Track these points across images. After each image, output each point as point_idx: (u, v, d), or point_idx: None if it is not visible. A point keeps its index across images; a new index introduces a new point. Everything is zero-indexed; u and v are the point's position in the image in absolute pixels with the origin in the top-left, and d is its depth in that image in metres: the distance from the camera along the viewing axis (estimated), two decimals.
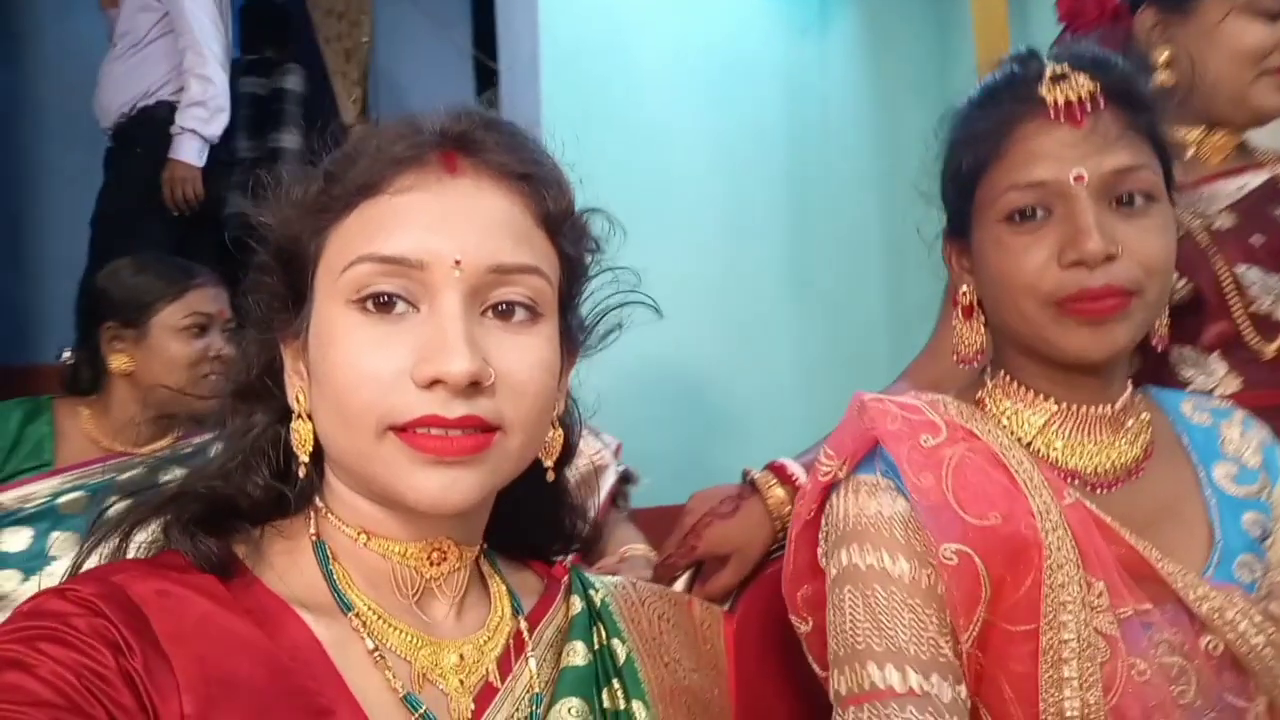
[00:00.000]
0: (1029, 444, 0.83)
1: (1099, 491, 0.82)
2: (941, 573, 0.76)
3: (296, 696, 0.57)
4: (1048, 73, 0.79)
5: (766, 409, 2.30)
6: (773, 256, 2.37)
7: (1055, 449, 0.83)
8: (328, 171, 0.64)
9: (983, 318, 0.86)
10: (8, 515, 1.32)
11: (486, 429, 0.59)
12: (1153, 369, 1.10)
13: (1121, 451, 0.83)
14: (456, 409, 0.57)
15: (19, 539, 1.32)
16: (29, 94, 3.48)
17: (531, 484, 0.67)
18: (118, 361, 1.54)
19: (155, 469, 0.68)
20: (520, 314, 0.62)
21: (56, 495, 1.35)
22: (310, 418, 0.63)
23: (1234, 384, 1.12)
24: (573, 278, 0.68)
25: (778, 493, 1.05)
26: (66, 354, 1.61)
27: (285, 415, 0.66)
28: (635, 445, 1.70)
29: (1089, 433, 0.83)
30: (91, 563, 0.64)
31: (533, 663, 0.66)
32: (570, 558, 0.79)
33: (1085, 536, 0.77)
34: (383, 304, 0.59)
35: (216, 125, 2.59)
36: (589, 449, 1.48)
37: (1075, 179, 0.76)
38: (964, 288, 0.86)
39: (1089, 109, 0.77)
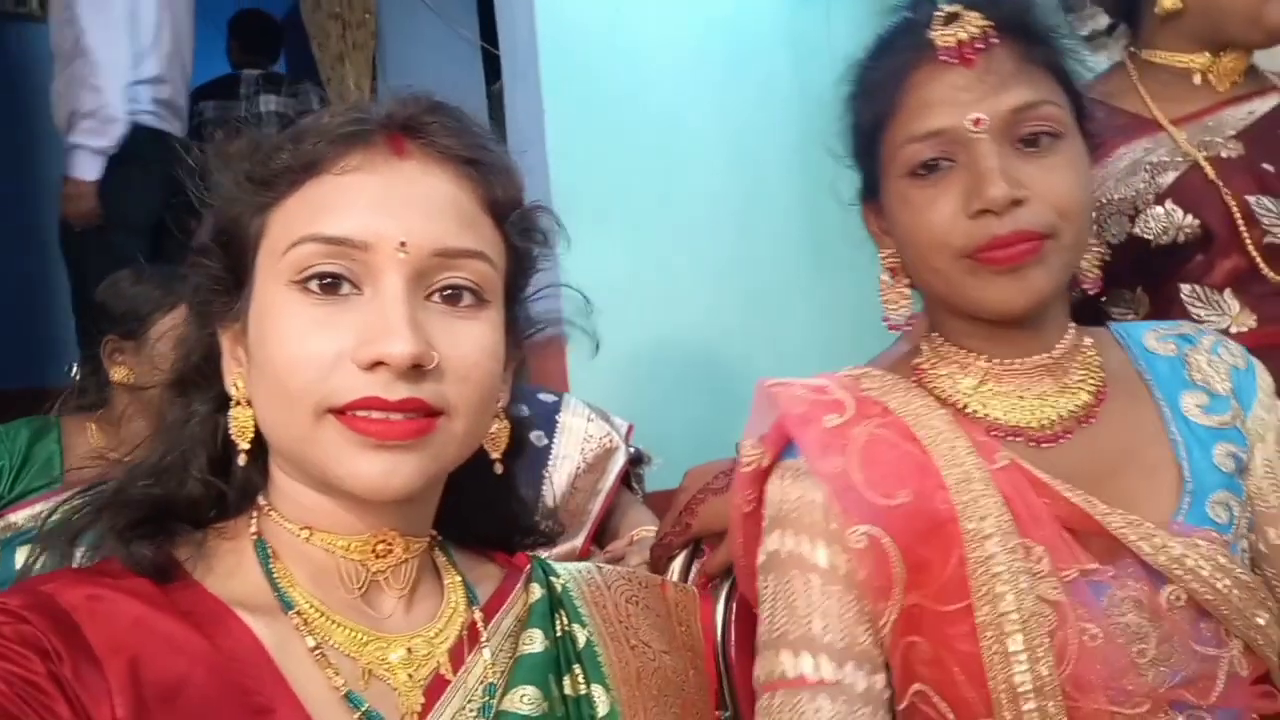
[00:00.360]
0: (965, 406, 0.80)
1: (1045, 446, 0.78)
2: (852, 556, 0.74)
3: (236, 697, 0.57)
4: (937, 14, 0.76)
5: None
6: (788, 228, 2.32)
7: (993, 408, 0.79)
8: (271, 148, 0.63)
9: (908, 279, 0.83)
10: (21, 534, 1.31)
11: (429, 413, 0.58)
12: (1159, 313, 1.09)
13: (1066, 401, 0.79)
14: (398, 391, 0.57)
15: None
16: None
17: (478, 475, 0.67)
18: (119, 373, 1.54)
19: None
20: (466, 298, 0.61)
21: None
22: (249, 404, 0.62)
23: (1249, 320, 1.08)
24: (519, 268, 0.68)
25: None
26: (74, 370, 1.63)
27: (224, 404, 0.65)
28: (650, 427, 1.68)
29: (1028, 386, 0.80)
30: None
31: (487, 653, 0.66)
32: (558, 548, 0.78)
33: (1019, 499, 0.74)
34: (326, 285, 0.59)
35: (109, 137, 2.47)
36: (598, 432, 1.49)
37: (973, 123, 0.73)
38: (886, 252, 0.83)
39: (981, 47, 0.74)
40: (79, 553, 0.64)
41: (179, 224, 0.70)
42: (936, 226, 0.75)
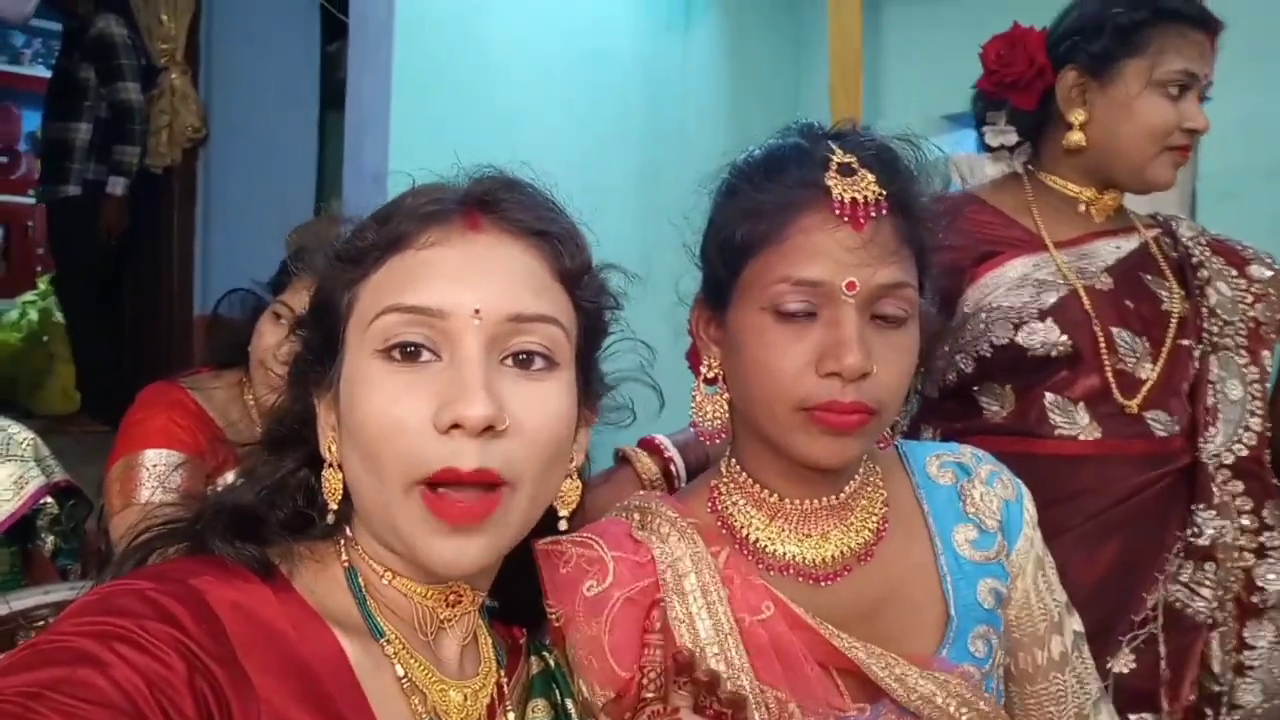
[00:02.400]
0: (755, 540, 0.82)
1: (824, 585, 0.81)
2: None
3: (323, 704, 0.59)
4: (835, 160, 0.76)
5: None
6: (621, 247, 2.27)
7: (778, 544, 0.81)
8: (360, 229, 0.67)
9: (726, 392, 0.83)
10: None
11: (496, 483, 0.61)
12: (1022, 413, 1.21)
13: (849, 540, 0.82)
14: (469, 458, 0.59)
15: None
16: None
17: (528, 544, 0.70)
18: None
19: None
20: (538, 363, 0.64)
21: None
22: (340, 468, 0.65)
23: (1095, 433, 1.19)
24: (591, 332, 0.71)
25: (647, 461, 1.08)
26: None
27: (312, 461, 0.68)
28: None
29: (813, 525, 0.82)
30: None
31: (511, 716, 0.70)
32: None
33: (772, 651, 0.77)
34: (408, 353, 0.62)
35: None
36: None
37: (847, 287, 0.74)
38: (708, 359, 0.84)
39: (872, 214, 0.75)
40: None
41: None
42: (785, 373, 0.75)
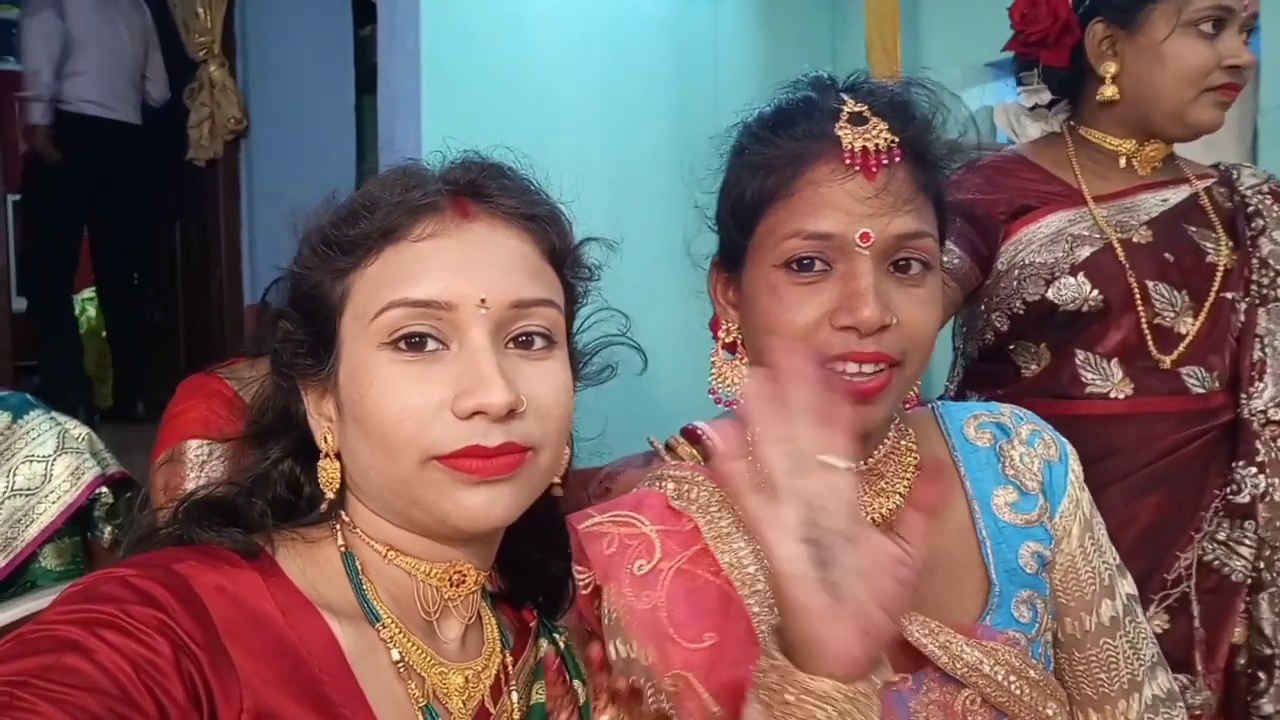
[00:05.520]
0: None
1: None
2: (667, 697, 0.74)
3: (310, 688, 0.59)
4: (845, 110, 0.74)
5: (646, 377, 2.24)
6: (656, 221, 2.16)
7: None
8: (348, 216, 0.66)
9: (745, 357, 0.81)
10: None
11: (521, 449, 0.63)
12: (1054, 372, 1.19)
13: (878, 505, 0.79)
14: (495, 437, 0.61)
15: None
16: None
17: (532, 515, 0.69)
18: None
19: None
20: (539, 343, 0.66)
21: None
22: (338, 457, 0.66)
23: (1127, 389, 1.17)
24: (572, 304, 0.73)
25: (689, 450, 1.07)
26: None
27: (297, 450, 0.69)
28: None
29: None
30: None
31: (515, 696, 0.70)
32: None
33: None
34: (415, 344, 0.63)
35: None
36: None
37: (861, 238, 0.72)
38: (727, 324, 0.82)
39: (885, 162, 0.72)
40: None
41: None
42: (800, 327, 0.73)
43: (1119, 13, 1.19)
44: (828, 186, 0.73)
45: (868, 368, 0.73)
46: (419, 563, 0.67)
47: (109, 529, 1.46)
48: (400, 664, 0.64)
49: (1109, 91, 1.20)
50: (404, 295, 0.63)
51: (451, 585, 0.68)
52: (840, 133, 0.73)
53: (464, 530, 0.64)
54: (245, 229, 3.68)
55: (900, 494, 0.80)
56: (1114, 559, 0.87)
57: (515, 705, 0.70)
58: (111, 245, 3.87)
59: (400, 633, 0.65)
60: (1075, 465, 0.86)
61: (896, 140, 0.73)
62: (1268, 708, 1.13)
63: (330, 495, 0.67)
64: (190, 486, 1.32)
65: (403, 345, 0.63)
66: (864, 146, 0.73)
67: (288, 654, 0.60)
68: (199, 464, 1.35)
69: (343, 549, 0.67)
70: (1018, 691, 0.76)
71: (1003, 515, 0.82)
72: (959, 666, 0.75)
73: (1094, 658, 0.84)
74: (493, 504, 0.63)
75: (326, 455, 0.67)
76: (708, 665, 0.74)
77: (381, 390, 0.62)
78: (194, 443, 1.37)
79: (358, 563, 0.67)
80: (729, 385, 0.82)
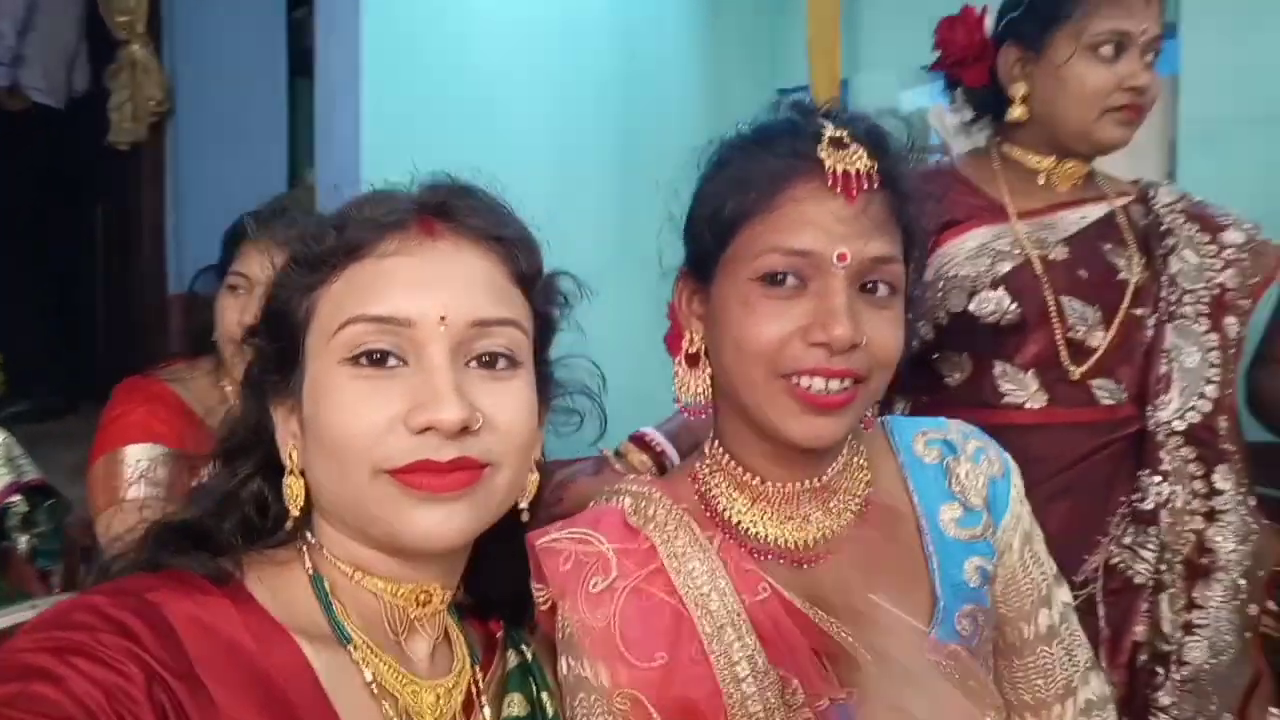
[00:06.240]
0: (737, 524, 0.81)
1: (807, 567, 0.81)
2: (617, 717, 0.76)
3: (287, 715, 0.59)
4: (827, 133, 0.76)
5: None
6: (600, 216, 2.34)
7: (761, 527, 0.81)
8: (316, 234, 0.67)
9: (709, 368, 0.83)
10: None
11: (477, 465, 0.63)
12: (976, 382, 1.24)
13: (830, 523, 0.82)
14: (447, 452, 0.61)
15: None
16: None
17: (499, 536, 0.70)
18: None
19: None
20: (501, 363, 0.66)
21: None
22: (303, 475, 0.66)
23: (1041, 399, 1.23)
24: (544, 331, 0.73)
25: (640, 457, 1.10)
26: None
27: (264, 469, 0.69)
28: None
29: (794, 507, 0.81)
30: None
31: (487, 711, 0.71)
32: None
33: (775, 632, 0.77)
34: (375, 360, 0.63)
35: None
36: None
37: (838, 257, 0.74)
38: (690, 334, 0.84)
39: (865, 186, 0.75)
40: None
41: None
42: (771, 340, 0.75)
43: (1027, 37, 1.25)
44: (809, 205, 0.75)
45: (834, 384, 0.75)
46: (386, 583, 0.67)
47: (25, 538, 1.42)
48: (373, 684, 0.64)
49: (1018, 111, 1.27)
50: (364, 311, 0.63)
51: (418, 605, 0.68)
52: (822, 154, 0.76)
53: (417, 549, 0.64)
54: (170, 216, 3.55)
55: (853, 511, 0.83)
56: (1051, 569, 0.91)
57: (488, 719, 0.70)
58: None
59: (371, 653, 0.65)
60: (1017, 480, 0.90)
61: (875, 166, 0.76)
62: (1164, 700, 1.20)
63: (295, 512, 0.66)
64: (130, 493, 1.31)
65: (363, 361, 0.63)
66: (845, 170, 0.75)
67: (261, 682, 0.59)
68: (140, 469, 1.32)
69: (310, 571, 0.67)
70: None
71: (949, 531, 0.85)
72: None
73: (1032, 665, 0.88)
74: (445, 522, 0.62)
75: (291, 472, 0.67)
76: (659, 685, 0.75)
77: (337, 404, 0.62)
78: (133, 448, 1.34)
79: (326, 585, 0.66)
80: (692, 394, 0.84)
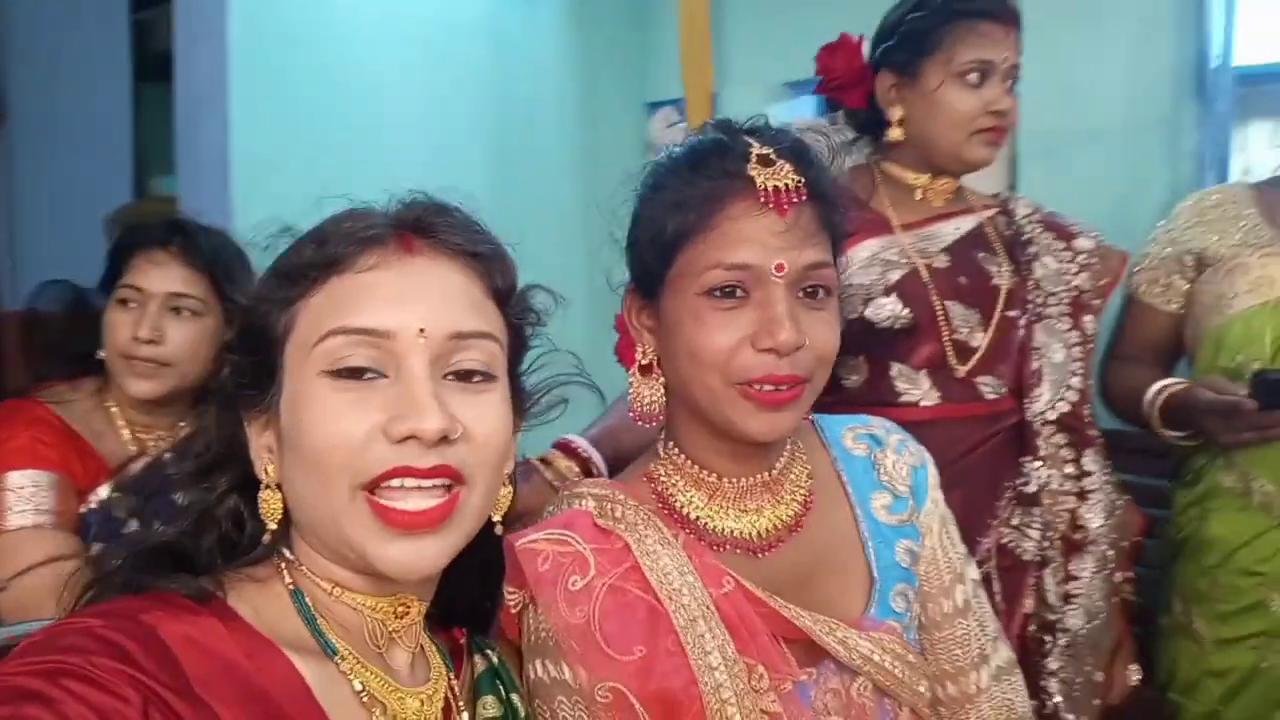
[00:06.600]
0: (697, 519, 0.87)
1: (762, 556, 0.86)
2: (599, 710, 0.79)
3: None
4: (754, 151, 0.81)
5: None
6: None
7: (719, 520, 0.87)
8: (293, 250, 0.68)
9: (661, 378, 0.88)
10: None
11: (453, 480, 0.64)
12: (874, 383, 1.33)
13: (780, 512, 0.88)
14: (428, 460, 0.62)
15: None
16: None
17: (471, 549, 0.70)
18: None
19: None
20: (478, 376, 0.67)
21: None
22: (279, 489, 0.67)
23: (934, 397, 1.32)
24: (518, 345, 0.74)
25: (564, 464, 1.13)
26: None
27: (241, 484, 0.69)
28: None
29: (749, 500, 0.87)
30: None
31: (465, 715, 0.73)
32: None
33: (740, 621, 0.82)
34: (354, 372, 0.64)
35: None
36: None
37: (776, 268, 0.79)
38: (642, 346, 0.88)
39: (795, 200, 0.80)
40: None
41: None
42: (722, 351, 0.80)
43: (901, 65, 1.36)
44: (744, 222, 0.80)
45: (783, 386, 0.81)
46: (365, 598, 0.68)
47: None
48: (363, 693, 0.65)
49: (895, 133, 1.37)
50: (344, 323, 0.64)
51: (396, 618, 0.69)
52: (752, 173, 0.81)
53: (393, 578, 0.65)
54: (3, 227, 3.30)
55: (798, 502, 0.89)
56: (963, 549, 0.99)
57: None
58: None
59: (358, 663, 0.66)
60: (933, 470, 0.98)
61: (801, 181, 0.81)
62: (1053, 665, 1.32)
63: (273, 526, 0.67)
64: (12, 520, 1.24)
65: (343, 373, 0.64)
66: (774, 186, 0.80)
67: (259, 698, 0.60)
68: (24, 495, 1.25)
69: (290, 586, 0.67)
70: (900, 674, 0.87)
71: (880, 517, 0.93)
72: (854, 658, 0.85)
73: (950, 636, 0.96)
74: (418, 557, 0.64)
75: (268, 486, 0.67)
76: (639, 676, 0.79)
77: (317, 416, 0.63)
78: (15, 474, 1.26)
79: (307, 599, 0.67)
80: (646, 403, 0.88)
